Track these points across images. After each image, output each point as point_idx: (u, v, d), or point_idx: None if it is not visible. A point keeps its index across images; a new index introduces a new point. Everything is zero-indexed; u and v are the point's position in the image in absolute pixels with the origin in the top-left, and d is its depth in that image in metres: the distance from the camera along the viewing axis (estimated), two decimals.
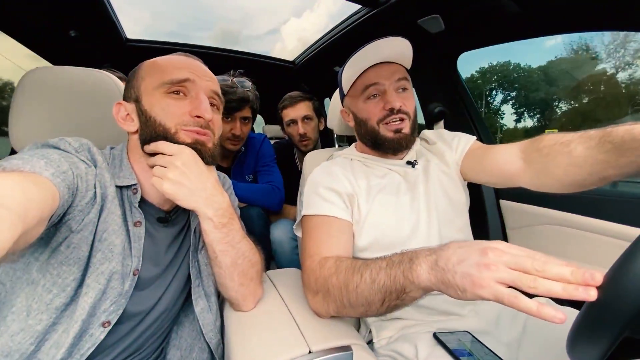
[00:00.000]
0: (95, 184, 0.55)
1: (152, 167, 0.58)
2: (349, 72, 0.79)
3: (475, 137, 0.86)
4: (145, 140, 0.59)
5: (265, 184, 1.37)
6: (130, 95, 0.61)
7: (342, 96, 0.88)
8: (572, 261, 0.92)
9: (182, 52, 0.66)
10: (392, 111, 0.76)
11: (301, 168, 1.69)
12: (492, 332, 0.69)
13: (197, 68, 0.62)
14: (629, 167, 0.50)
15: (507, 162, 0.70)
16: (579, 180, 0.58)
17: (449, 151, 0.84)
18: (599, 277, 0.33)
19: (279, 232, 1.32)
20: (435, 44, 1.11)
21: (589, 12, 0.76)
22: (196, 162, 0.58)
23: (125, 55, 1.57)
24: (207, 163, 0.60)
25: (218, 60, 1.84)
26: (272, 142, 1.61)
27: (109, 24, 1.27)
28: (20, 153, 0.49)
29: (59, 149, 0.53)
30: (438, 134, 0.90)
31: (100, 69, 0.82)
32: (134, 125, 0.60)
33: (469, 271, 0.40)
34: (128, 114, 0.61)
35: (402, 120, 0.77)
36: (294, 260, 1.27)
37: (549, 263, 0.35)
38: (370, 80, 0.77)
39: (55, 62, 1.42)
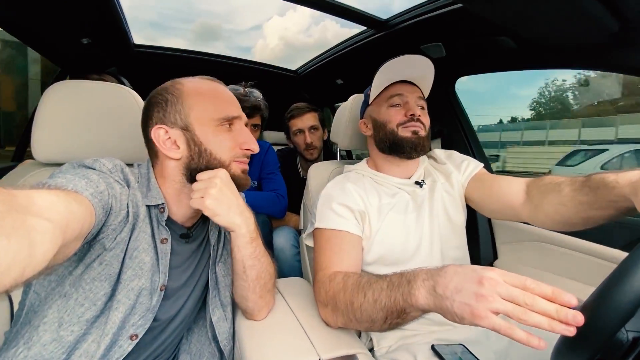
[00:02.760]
0: (127, 204, 0.57)
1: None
2: (380, 79, 0.85)
3: (482, 165, 0.92)
4: (192, 169, 0.61)
5: (269, 192, 1.41)
6: (176, 121, 0.61)
7: (365, 107, 0.95)
8: (552, 274, 1.00)
9: (208, 77, 0.68)
10: (412, 118, 0.83)
11: (303, 175, 1.75)
12: (483, 342, 0.75)
13: (236, 101, 0.67)
14: (605, 210, 0.57)
15: (512, 194, 0.76)
16: (566, 218, 0.64)
17: (456, 173, 0.90)
18: (580, 319, 0.38)
19: (281, 239, 1.36)
20: (435, 68, 1.18)
21: (578, 53, 0.84)
22: (230, 181, 0.62)
23: (132, 61, 1.60)
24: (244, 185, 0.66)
25: (225, 68, 1.88)
26: (275, 149, 1.65)
27: (120, 30, 1.30)
28: (61, 172, 0.53)
29: (94, 169, 0.56)
30: (448, 154, 0.96)
31: (105, 73, 0.84)
32: (178, 152, 0.61)
33: (467, 301, 0.44)
34: (172, 140, 0.61)
35: (419, 126, 0.84)
36: (295, 267, 1.31)
37: (537, 298, 0.41)
38: (396, 91, 0.85)
39: (64, 66, 1.44)
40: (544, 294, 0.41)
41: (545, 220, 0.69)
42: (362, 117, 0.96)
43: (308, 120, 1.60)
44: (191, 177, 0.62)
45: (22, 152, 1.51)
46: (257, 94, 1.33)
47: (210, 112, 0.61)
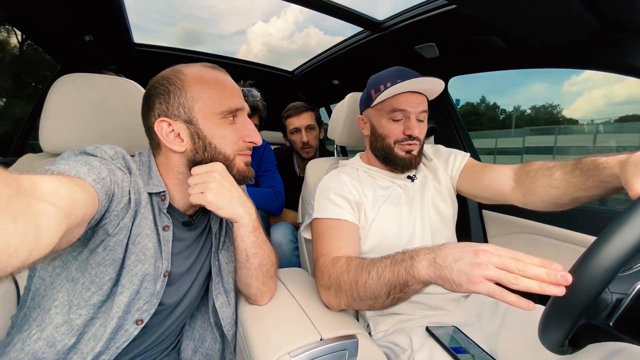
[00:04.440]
0: (129, 190, 0.57)
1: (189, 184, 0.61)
2: (384, 96, 0.84)
3: (469, 154, 0.96)
4: (196, 162, 0.61)
5: (267, 188, 1.43)
6: (179, 114, 0.60)
7: (364, 106, 0.93)
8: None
9: (210, 65, 0.67)
10: (409, 137, 0.85)
11: (300, 174, 1.78)
12: (475, 325, 0.79)
13: (238, 90, 0.66)
14: (594, 190, 0.61)
15: (501, 181, 0.81)
16: (556, 199, 0.69)
17: (443, 168, 0.94)
18: (568, 278, 0.41)
19: (278, 234, 1.38)
20: (428, 68, 1.23)
21: (564, 53, 0.89)
22: (228, 174, 0.62)
23: (132, 59, 1.61)
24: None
25: (223, 68, 1.91)
26: (272, 147, 1.68)
27: (123, 28, 1.32)
28: (63, 159, 0.52)
29: (96, 156, 0.55)
30: (435, 149, 1.00)
31: (104, 71, 0.86)
32: (182, 145, 0.60)
33: (464, 269, 0.48)
34: (175, 132, 0.60)
35: (414, 144, 0.86)
36: (293, 261, 1.33)
37: (528, 264, 0.44)
38: (400, 105, 0.83)
39: (64, 63, 1.45)
40: (534, 262, 0.45)
41: (536, 202, 0.73)
42: (361, 113, 0.97)
43: (305, 119, 1.63)
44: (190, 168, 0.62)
45: (22, 146, 1.51)
46: (255, 93, 1.34)
47: (214, 104, 0.60)
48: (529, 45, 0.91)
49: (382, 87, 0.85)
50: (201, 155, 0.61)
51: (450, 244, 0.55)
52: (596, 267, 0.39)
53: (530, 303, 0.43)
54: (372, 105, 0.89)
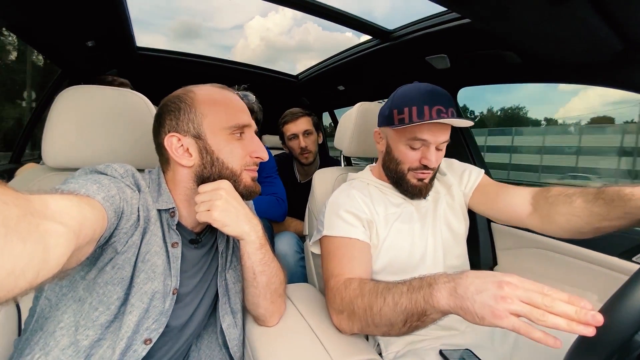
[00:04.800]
0: (138, 208, 0.57)
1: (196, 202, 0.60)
2: (408, 117, 0.77)
3: (484, 171, 0.94)
4: (204, 177, 0.62)
5: (269, 196, 1.41)
6: (189, 129, 0.61)
7: (384, 123, 0.87)
8: (550, 280, 1.03)
9: (219, 85, 0.69)
10: (425, 167, 0.81)
11: (301, 180, 1.76)
12: (488, 347, 0.77)
13: (245, 107, 0.67)
14: (619, 221, 0.60)
15: (517, 205, 0.79)
16: (578, 227, 0.67)
17: (457, 184, 0.92)
18: (599, 319, 0.40)
19: (283, 245, 1.36)
20: (438, 78, 1.21)
21: (583, 70, 0.88)
22: (234, 191, 0.62)
23: (134, 64, 1.59)
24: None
25: (227, 72, 1.89)
26: (273, 153, 1.66)
27: (126, 34, 1.29)
28: (74, 178, 0.53)
29: (106, 174, 0.56)
30: (449, 164, 0.97)
31: (106, 75, 0.84)
32: (191, 160, 0.61)
33: (487, 302, 0.46)
34: (184, 147, 0.61)
35: (428, 173, 0.83)
36: (299, 272, 1.31)
37: (556, 300, 0.43)
38: (423, 135, 0.77)
39: (64, 68, 1.42)
40: (562, 298, 0.43)
41: (557, 230, 0.72)
42: (379, 125, 0.90)
43: (302, 124, 1.62)
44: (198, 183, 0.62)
45: (20, 153, 1.48)
46: (251, 97, 1.32)
47: (222, 120, 0.62)
48: (545, 62, 0.90)
49: (406, 109, 0.77)
50: (209, 170, 0.62)
51: (471, 273, 0.53)
52: (632, 306, 0.37)
53: (558, 341, 0.42)
54: (393, 126, 0.83)
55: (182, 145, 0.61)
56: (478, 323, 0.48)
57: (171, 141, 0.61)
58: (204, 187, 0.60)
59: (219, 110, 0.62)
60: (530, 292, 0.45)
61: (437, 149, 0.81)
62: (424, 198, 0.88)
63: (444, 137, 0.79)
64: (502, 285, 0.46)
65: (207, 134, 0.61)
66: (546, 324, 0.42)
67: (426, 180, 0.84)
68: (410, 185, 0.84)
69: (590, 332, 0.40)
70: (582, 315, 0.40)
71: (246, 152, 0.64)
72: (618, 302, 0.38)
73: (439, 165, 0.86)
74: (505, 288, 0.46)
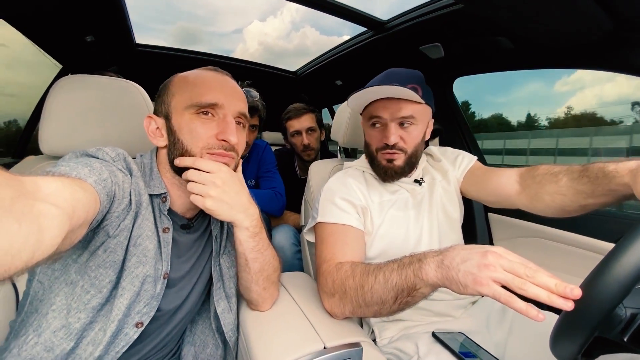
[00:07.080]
0: (130, 192, 0.57)
1: (186, 181, 0.58)
2: (357, 102, 0.83)
3: (476, 157, 0.94)
4: (173, 158, 0.60)
5: (268, 190, 1.42)
6: (161, 110, 0.61)
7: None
8: (548, 269, 1.03)
9: (212, 67, 0.66)
10: (387, 145, 0.80)
11: (300, 175, 1.77)
12: (483, 332, 0.77)
13: (227, 88, 0.62)
14: (604, 198, 0.60)
15: (506, 185, 0.79)
16: (563, 206, 0.67)
17: (452, 169, 0.92)
18: (577, 293, 0.40)
19: (280, 237, 1.36)
20: (434, 68, 1.21)
21: (575, 53, 0.87)
22: (233, 179, 0.59)
23: (134, 60, 1.61)
24: None
25: (225, 68, 1.90)
26: (272, 149, 1.67)
27: (124, 29, 1.31)
28: (64, 161, 0.52)
29: (97, 158, 0.55)
30: (443, 150, 0.98)
31: (106, 72, 0.84)
32: (163, 140, 0.61)
33: (470, 270, 0.47)
34: (158, 129, 0.61)
35: (395, 154, 0.81)
36: (295, 264, 1.32)
37: (538, 272, 0.43)
38: (377, 112, 0.80)
39: (65, 64, 1.44)
40: (544, 272, 0.43)
41: (543, 208, 0.71)
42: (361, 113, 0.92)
43: (305, 121, 1.61)
44: (173, 166, 0.60)
45: (23, 148, 1.50)
46: (254, 93, 1.32)
47: (186, 98, 0.59)
48: (538, 45, 0.89)
49: (364, 92, 0.79)
50: (172, 151, 0.60)
51: (458, 245, 0.53)
52: (610, 281, 0.37)
53: (541, 313, 0.42)
54: (361, 113, 0.88)
55: (157, 127, 0.62)
56: (462, 292, 0.48)
57: (148, 123, 0.62)
58: (200, 163, 0.56)
59: (187, 89, 0.60)
60: (514, 263, 0.45)
61: (402, 126, 0.79)
62: (397, 179, 0.86)
63: (401, 112, 0.77)
64: (486, 255, 0.47)
65: (173, 114, 0.60)
66: (526, 293, 0.42)
67: (397, 162, 0.81)
68: (381, 167, 0.84)
69: (569, 306, 0.40)
70: (561, 289, 0.41)
71: (210, 133, 0.58)
72: (596, 278, 0.38)
73: (415, 150, 0.82)
74: (490, 257, 0.46)
